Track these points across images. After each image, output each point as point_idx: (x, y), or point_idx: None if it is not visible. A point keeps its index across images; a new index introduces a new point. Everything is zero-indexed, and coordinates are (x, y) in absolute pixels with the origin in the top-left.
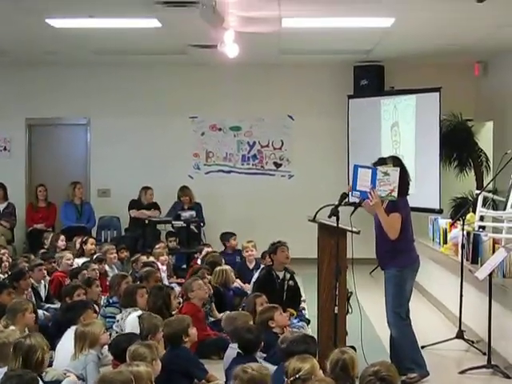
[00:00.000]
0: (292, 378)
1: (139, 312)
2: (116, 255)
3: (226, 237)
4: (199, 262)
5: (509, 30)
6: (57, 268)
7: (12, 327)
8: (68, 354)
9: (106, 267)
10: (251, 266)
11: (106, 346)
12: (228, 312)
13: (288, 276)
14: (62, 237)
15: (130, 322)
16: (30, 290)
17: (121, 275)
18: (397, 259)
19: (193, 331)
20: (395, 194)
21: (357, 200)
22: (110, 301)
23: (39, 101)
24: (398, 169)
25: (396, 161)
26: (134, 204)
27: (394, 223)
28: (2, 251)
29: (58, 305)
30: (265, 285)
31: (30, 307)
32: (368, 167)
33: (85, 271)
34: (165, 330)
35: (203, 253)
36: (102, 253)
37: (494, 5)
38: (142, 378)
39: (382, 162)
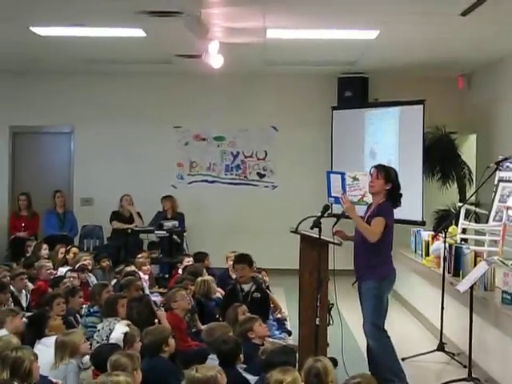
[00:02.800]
0: None
1: (123, 324)
2: (90, 262)
3: (200, 257)
4: (180, 271)
5: (492, 44)
6: (39, 276)
7: (3, 330)
8: (43, 366)
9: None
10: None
11: (87, 356)
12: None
13: (253, 288)
14: (45, 245)
15: (116, 337)
16: (10, 300)
17: (101, 284)
18: (376, 271)
19: (172, 341)
20: (367, 199)
21: (340, 209)
22: (91, 310)
23: (23, 109)
24: (367, 173)
25: (395, 174)
26: (116, 215)
27: (375, 226)
28: None
29: None
30: (229, 299)
31: (20, 312)
32: (338, 173)
33: (66, 280)
34: (145, 339)
35: (184, 263)
36: (75, 261)
37: (477, 18)
38: None
39: (384, 168)
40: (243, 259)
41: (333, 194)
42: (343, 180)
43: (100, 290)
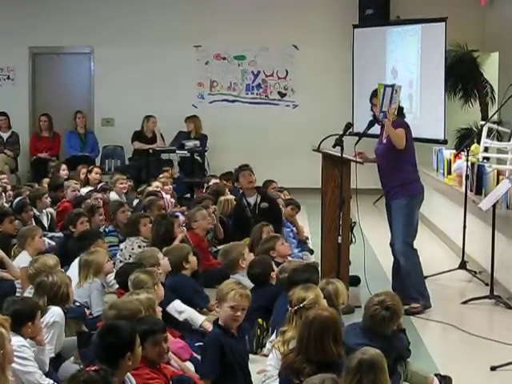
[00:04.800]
0: (296, 307)
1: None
2: (126, 185)
3: (226, 177)
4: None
5: None
6: (64, 197)
7: (24, 253)
8: (77, 281)
9: (116, 196)
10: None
11: (111, 275)
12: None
13: (259, 199)
14: (64, 166)
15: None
16: (32, 220)
17: (117, 203)
18: (406, 189)
19: (193, 259)
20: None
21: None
22: (107, 230)
23: (42, 29)
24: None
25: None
26: (138, 135)
27: (402, 135)
28: (4, 180)
29: (60, 234)
30: (237, 215)
31: (40, 232)
32: (390, 86)
33: (88, 200)
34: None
35: (210, 183)
36: (112, 182)
37: None
38: (142, 305)
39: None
40: (246, 166)
41: (383, 109)
42: (393, 93)
43: (115, 209)
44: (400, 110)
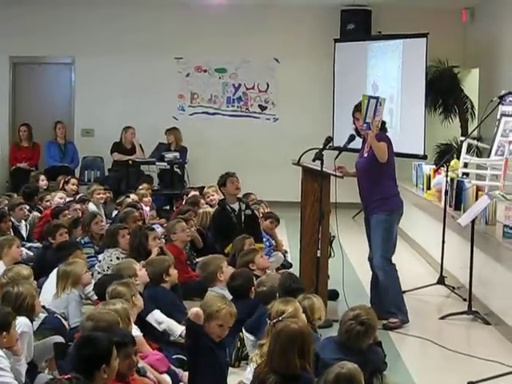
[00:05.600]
0: (275, 321)
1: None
2: (103, 196)
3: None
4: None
5: None
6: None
7: (0, 262)
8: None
9: (93, 207)
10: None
11: (90, 286)
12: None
13: (244, 206)
14: (43, 177)
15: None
16: (10, 230)
17: (91, 215)
18: (385, 204)
19: (174, 272)
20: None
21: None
22: (82, 241)
23: (23, 39)
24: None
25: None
26: (117, 146)
27: (384, 149)
28: None
29: (38, 244)
30: (221, 220)
31: (17, 242)
32: (374, 97)
33: (66, 211)
34: (147, 269)
35: (190, 196)
36: (89, 193)
37: None
38: (119, 316)
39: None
40: (233, 173)
41: (367, 120)
42: (377, 105)
43: (89, 220)
44: (382, 124)
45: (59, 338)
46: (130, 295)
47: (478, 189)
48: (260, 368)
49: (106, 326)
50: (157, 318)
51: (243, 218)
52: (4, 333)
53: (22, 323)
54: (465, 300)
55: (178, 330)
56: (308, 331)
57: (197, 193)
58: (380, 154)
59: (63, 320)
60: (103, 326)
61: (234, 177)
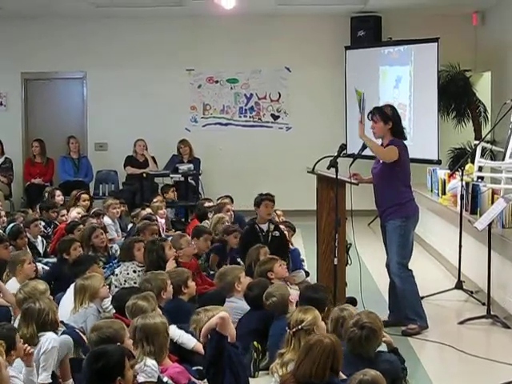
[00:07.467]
0: (294, 329)
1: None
2: (118, 210)
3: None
4: None
5: None
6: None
7: (13, 279)
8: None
9: (109, 221)
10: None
11: (107, 300)
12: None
13: (272, 227)
14: (58, 192)
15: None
16: (26, 246)
17: (91, 228)
18: (401, 210)
19: (192, 284)
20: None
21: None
22: None
23: (35, 55)
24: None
25: (391, 109)
26: (129, 160)
27: (387, 150)
28: None
29: (55, 259)
30: (249, 239)
31: (29, 258)
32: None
33: (81, 225)
34: None
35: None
36: (104, 207)
37: None
38: (159, 330)
39: (379, 110)
40: (272, 197)
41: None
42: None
43: (89, 234)
44: (401, 131)
45: (67, 338)
46: (150, 309)
47: (494, 192)
48: (286, 379)
49: (112, 333)
50: (172, 334)
51: (270, 238)
52: (12, 351)
53: (49, 338)
54: (483, 304)
55: (191, 343)
56: (340, 346)
57: (212, 203)
58: (380, 154)
59: (81, 334)
60: (110, 333)
61: (270, 201)
